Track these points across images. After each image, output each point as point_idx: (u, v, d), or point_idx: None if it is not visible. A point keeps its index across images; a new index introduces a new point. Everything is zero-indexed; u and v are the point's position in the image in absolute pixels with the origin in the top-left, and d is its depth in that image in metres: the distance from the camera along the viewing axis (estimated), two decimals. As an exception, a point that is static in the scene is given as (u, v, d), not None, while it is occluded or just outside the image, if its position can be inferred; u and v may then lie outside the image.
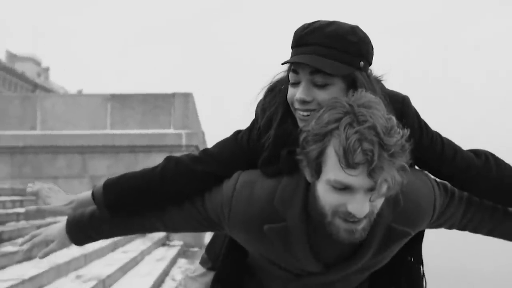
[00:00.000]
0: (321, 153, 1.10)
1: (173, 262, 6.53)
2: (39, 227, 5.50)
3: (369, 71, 1.28)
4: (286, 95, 1.29)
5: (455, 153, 1.36)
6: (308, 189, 1.22)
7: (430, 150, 1.34)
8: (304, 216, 1.24)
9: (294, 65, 1.25)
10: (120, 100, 9.57)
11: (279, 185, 1.26)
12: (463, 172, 1.36)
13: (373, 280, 1.52)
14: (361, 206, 1.08)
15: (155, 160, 8.69)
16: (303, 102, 1.23)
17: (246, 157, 1.35)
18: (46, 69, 63.06)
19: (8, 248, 4.31)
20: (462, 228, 1.45)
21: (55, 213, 1.48)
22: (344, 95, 1.19)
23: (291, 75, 1.26)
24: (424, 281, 1.54)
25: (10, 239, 4.76)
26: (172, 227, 1.43)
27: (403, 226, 1.27)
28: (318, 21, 1.25)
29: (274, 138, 1.29)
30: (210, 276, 1.66)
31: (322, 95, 1.21)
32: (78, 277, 4.36)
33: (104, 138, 8.70)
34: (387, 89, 1.34)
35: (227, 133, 1.44)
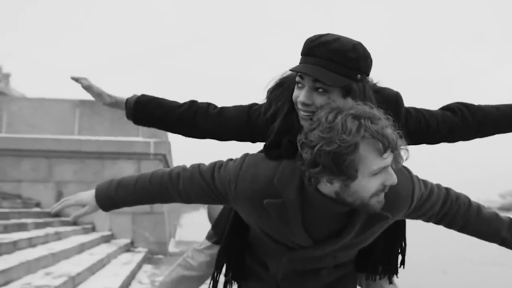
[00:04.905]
0: (356, 157, 1.31)
1: (139, 266, 6.56)
2: (5, 226, 5.48)
3: (367, 80, 1.51)
4: (292, 93, 1.51)
5: (437, 123, 1.67)
6: (304, 173, 1.42)
7: (420, 128, 1.66)
8: (299, 194, 1.45)
9: (300, 72, 1.45)
10: (89, 106, 9.55)
11: (279, 167, 1.49)
12: (449, 132, 1.68)
13: (360, 260, 1.77)
14: (395, 176, 1.37)
15: (122, 167, 8.53)
16: (304, 104, 1.45)
17: (249, 129, 1.64)
18: (7, 75, 61.47)
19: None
20: (438, 221, 1.65)
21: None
22: (340, 101, 1.43)
23: (297, 78, 1.47)
24: (398, 266, 1.81)
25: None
26: (186, 199, 1.62)
27: (382, 210, 1.46)
28: (326, 34, 1.45)
29: (278, 129, 1.54)
30: (215, 249, 1.90)
31: (320, 100, 1.43)
32: (47, 274, 4.37)
33: (71, 143, 8.62)
34: (381, 88, 1.61)
35: (191, 143, 1.71)
